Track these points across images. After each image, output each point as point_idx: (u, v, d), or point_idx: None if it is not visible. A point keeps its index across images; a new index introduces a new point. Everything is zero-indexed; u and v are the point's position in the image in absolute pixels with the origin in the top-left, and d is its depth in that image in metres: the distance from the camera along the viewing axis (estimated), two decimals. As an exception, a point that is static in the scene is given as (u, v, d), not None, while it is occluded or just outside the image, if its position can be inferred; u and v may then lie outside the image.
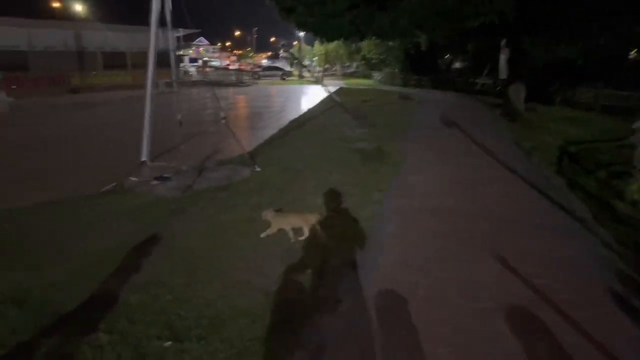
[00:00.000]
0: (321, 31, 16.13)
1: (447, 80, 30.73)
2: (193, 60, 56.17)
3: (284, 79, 45.68)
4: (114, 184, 7.04)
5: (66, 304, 3.60)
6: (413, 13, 12.84)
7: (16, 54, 26.37)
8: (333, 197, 6.42)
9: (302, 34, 49.40)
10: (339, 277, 4.18)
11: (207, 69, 45.24)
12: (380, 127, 13.12)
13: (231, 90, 30.57)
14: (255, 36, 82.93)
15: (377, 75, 41.33)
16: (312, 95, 25.27)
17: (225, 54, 73.72)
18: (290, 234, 4.94)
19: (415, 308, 3.68)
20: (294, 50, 56.57)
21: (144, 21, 7.96)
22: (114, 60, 31.89)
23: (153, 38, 7.75)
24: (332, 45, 44.74)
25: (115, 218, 5.63)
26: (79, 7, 35.42)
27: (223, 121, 9.03)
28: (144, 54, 7.98)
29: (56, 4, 37.38)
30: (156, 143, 8.30)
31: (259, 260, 4.50)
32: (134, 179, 7.31)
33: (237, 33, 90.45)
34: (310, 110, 18.17)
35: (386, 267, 4.42)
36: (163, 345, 3.11)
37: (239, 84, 37.29)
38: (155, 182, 7.24)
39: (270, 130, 12.95)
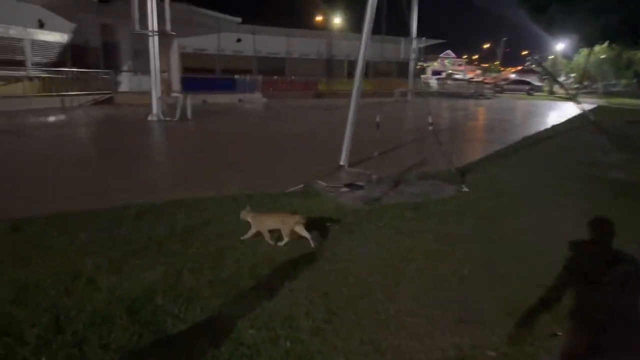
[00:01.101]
0: (581, 32, 13.31)
1: None
2: (436, 72, 55.81)
3: (530, 94, 42.14)
4: (301, 185, 6.58)
5: (177, 323, 3.00)
6: None
7: (276, 60, 30.20)
8: (560, 243, 4.56)
9: (559, 47, 43.79)
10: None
11: (449, 82, 44.18)
12: (650, 154, 9.89)
13: (468, 102, 28.80)
14: (506, 50, 77.73)
15: (651, 95, 33.72)
16: (560, 112, 21.62)
17: (470, 67, 71.39)
18: (267, 236, 4.42)
19: None
20: (547, 64, 50.73)
21: (392, 32, 7.78)
22: (358, 69, 33.54)
23: (363, 46, 8.03)
24: (595, 58, 38.46)
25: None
26: (336, 19, 38.11)
27: (430, 128, 7.85)
28: (385, 64, 8.04)
29: (318, 18, 41.36)
30: (363, 148, 7.69)
31: (428, 315, 3.19)
32: (322, 183, 6.74)
33: (486, 46, 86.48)
34: (553, 127, 15.33)
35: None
36: None
37: (478, 96, 35.11)
38: (345, 189, 6.52)
39: (496, 145, 11.06)
